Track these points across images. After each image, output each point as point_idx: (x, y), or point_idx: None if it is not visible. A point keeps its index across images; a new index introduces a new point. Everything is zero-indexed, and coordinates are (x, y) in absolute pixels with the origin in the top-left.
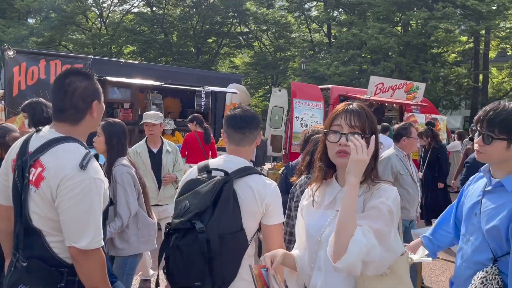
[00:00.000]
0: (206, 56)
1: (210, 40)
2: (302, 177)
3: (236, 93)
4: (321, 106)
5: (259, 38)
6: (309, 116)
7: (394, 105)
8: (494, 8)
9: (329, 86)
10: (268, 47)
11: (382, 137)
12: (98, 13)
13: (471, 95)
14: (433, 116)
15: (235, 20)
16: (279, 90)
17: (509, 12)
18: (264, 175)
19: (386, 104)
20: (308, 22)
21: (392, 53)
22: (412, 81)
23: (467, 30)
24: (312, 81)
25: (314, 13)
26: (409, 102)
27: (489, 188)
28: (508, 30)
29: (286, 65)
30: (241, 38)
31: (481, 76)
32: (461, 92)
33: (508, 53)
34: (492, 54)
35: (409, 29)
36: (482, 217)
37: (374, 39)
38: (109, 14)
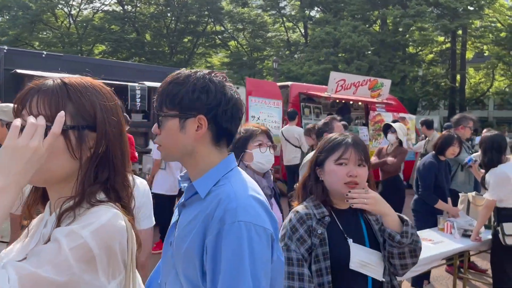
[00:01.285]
0: (181, 56)
1: (185, 40)
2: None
3: None
4: (279, 105)
5: (235, 37)
6: (266, 115)
7: (360, 103)
8: (470, 8)
9: (289, 83)
10: (244, 47)
11: None
12: (67, 11)
13: (449, 95)
14: (401, 114)
15: (210, 19)
16: (237, 88)
17: (484, 11)
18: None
19: (351, 102)
20: (283, 21)
21: (367, 51)
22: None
23: (441, 28)
24: (286, 81)
25: (291, 12)
26: (373, 100)
27: (183, 200)
28: (483, 29)
29: (263, 65)
30: (216, 38)
31: (458, 77)
32: (439, 93)
33: (485, 54)
34: (469, 55)
35: (385, 27)
36: (175, 244)
37: (347, 37)
38: (79, 13)
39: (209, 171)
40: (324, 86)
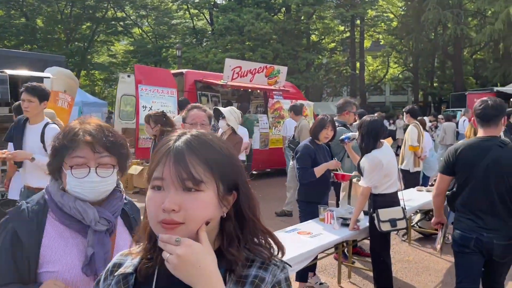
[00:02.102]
0: (80, 44)
1: (83, 27)
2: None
3: (49, 77)
4: (174, 93)
5: (139, 24)
6: (159, 104)
7: (258, 91)
8: None
9: (183, 70)
10: (149, 34)
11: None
12: None
13: (350, 82)
14: (300, 101)
15: (110, 4)
16: (128, 76)
17: (378, 2)
18: None
19: (250, 90)
20: (188, 7)
21: (271, 39)
22: (292, 68)
23: (338, 16)
24: (193, 69)
25: None
26: (271, 87)
27: None
28: (376, 19)
29: (168, 53)
30: (118, 24)
31: (358, 64)
32: (341, 79)
33: (381, 43)
34: (367, 44)
35: (290, 16)
36: None
37: (250, 25)
38: None
39: None
40: (219, 74)
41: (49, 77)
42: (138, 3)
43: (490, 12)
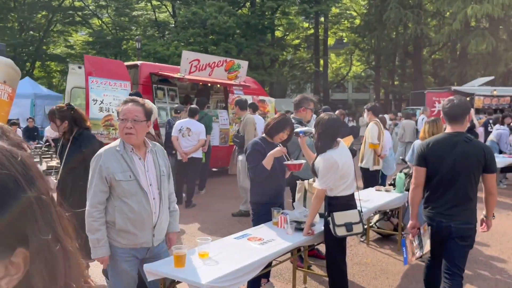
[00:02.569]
0: (35, 34)
1: (38, 16)
2: None
3: None
4: (127, 86)
5: (98, 15)
6: (111, 98)
7: (218, 85)
8: None
9: (138, 62)
10: (108, 26)
11: (189, 122)
12: None
13: (314, 79)
14: (261, 97)
15: None
16: (79, 67)
17: (342, 1)
18: None
19: (209, 84)
20: None
21: (234, 34)
22: (256, 64)
23: (302, 13)
24: (153, 62)
25: None
26: (231, 82)
27: None
28: (339, 16)
29: (128, 45)
30: (76, 14)
31: (322, 61)
32: (305, 76)
33: (344, 41)
34: (331, 41)
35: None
36: None
37: (213, 18)
38: None
39: None
40: (177, 67)
41: None
42: None
43: (448, 13)
